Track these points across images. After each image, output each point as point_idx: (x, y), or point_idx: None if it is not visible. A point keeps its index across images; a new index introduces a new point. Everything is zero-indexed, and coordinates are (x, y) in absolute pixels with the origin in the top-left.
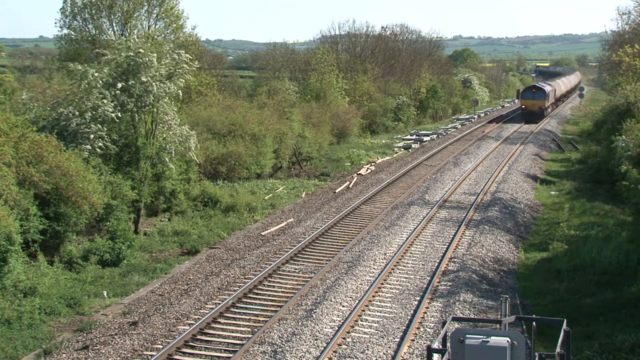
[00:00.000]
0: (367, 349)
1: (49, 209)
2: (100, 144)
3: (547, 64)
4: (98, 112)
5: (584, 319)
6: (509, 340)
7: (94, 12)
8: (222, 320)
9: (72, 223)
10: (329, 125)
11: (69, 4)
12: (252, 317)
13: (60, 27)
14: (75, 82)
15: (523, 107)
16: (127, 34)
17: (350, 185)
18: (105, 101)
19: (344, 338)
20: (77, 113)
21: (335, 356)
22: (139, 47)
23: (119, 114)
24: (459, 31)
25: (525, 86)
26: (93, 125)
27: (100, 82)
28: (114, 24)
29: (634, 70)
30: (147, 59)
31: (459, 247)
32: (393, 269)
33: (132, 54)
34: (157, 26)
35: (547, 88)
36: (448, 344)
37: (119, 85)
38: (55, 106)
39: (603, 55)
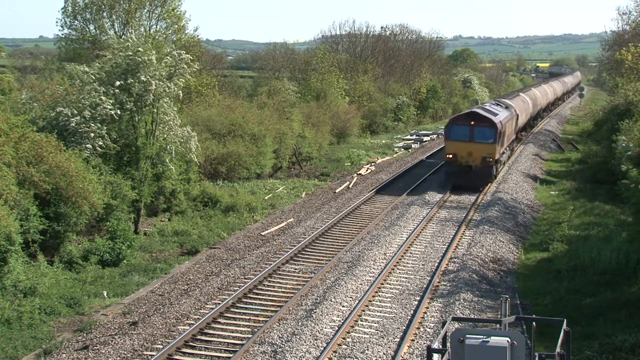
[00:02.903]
0: (367, 349)
1: (49, 209)
2: (100, 143)
3: (547, 64)
4: (97, 111)
5: (584, 319)
6: (509, 340)
7: (95, 11)
8: (222, 320)
9: (72, 223)
10: (329, 125)
11: (70, 4)
12: (252, 317)
13: (61, 27)
14: (73, 82)
15: (450, 157)
16: (128, 34)
17: (350, 185)
18: (103, 98)
19: (344, 338)
20: (75, 112)
21: (335, 356)
22: (138, 46)
23: (118, 111)
24: (459, 31)
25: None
26: (93, 124)
27: (93, 78)
28: (115, 24)
29: (635, 70)
30: (146, 58)
31: (458, 247)
32: (393, 269)
33: (130, 54)
34: (158, 27)
35: (501, 116)
36: (448, 344)
37: (117, 83)
38: (53, 106)
39: (603, 55)
